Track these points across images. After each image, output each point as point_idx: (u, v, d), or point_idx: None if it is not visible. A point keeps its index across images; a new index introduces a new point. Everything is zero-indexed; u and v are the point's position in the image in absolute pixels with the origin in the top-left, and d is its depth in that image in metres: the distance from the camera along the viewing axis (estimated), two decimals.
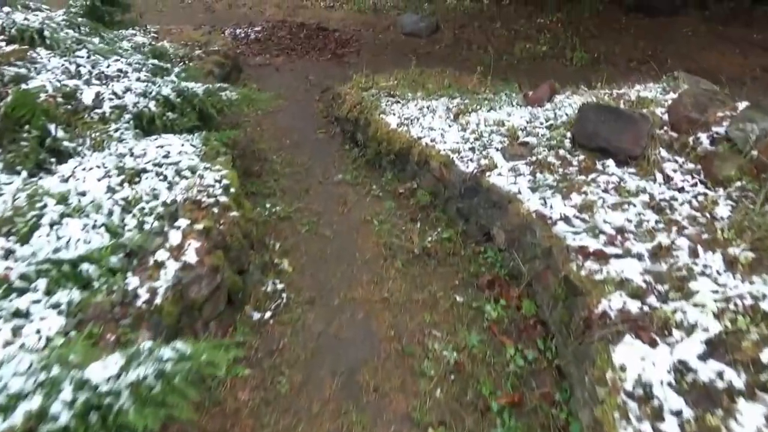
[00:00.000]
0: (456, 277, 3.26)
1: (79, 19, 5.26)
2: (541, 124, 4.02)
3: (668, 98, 3.90)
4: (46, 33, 4.33)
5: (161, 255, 2.55)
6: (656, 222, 2.95)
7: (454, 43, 8.16)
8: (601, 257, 2.75)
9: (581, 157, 3.62)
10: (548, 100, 4.39)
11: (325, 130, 5.12)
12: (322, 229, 3.63)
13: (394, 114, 4.46)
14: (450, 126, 4.24)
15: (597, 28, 8.58)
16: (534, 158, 3.67)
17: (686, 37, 8.28)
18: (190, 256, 2.59)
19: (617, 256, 2.74)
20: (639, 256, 2.72)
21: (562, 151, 3.69)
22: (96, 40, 5.32)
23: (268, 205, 3.81)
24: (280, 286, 3.05)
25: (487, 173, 3.61)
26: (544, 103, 4.35)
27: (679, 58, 7.41)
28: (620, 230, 2.91)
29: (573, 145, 3.75)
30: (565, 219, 3.07)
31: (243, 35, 8.00)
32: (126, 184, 3.06)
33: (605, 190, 3.27)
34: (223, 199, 3.04)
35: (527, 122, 4.08)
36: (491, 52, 7.81)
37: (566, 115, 4.02)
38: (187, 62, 5.73)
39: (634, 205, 3.09)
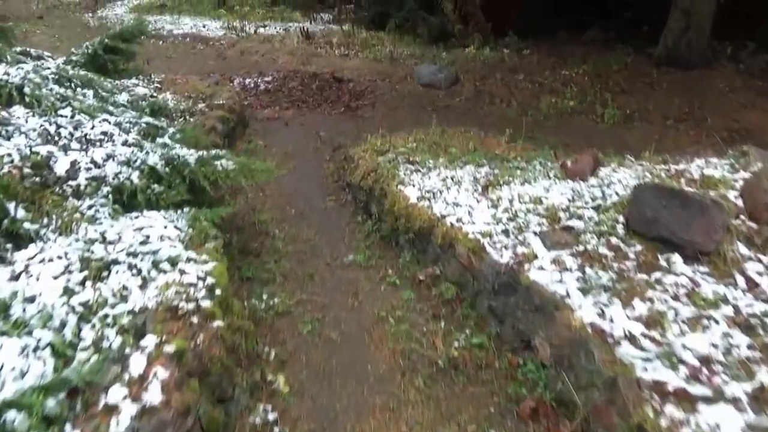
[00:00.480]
0: (490, 400, 2.64)
1: (71, 72, 4.84)
2: (587, 204, 3.44)
3: (739, 177, 3.32)
4: (27, 89, 3.88)
5: (116, 393, 1.97)
6: (749, 347, 2.33)
7: (475, 96, 7.70)
8: (686, 400, 2.12)
9: (639, 248, 3.03)
10: (591, 173, 3.83)
11: (336, 198, 4.58)
12: (328, 330, 3.03)
13: (413, 185, 3.91)
14: (478, 201, 3.68)
15: (627, 82, 8.09)
16: (581, 247, 3.08)
17: (723, 93, 7.74)
18: (154, 394, 2.00)
19: (707, 400, 2.11)
20: (735, 402, 2.09)
21: (614, 240, 3.10)
22: (90, 93, 4.90)
23: (265, 296, 3.23)
24: (272, 416, 2.43)
25: (526, 265, 3.02)
26: (586, 176, 3.78)
27: (719, 116, 6.86)
28: (705, 360, 2.28)
29: (627, 232, 3.15)
30: (631, 338, 2.45)
31: (252, 85, 7.60)
32: (89, 283, 2.51)
33: (675, 297, 2.66)
34: (205, 303, 2.47)
35: (569, 201, 3.50)
36: (515, 106, 7.32)
37: (616, 194, 3.45)
38: (187, 117, 5.28)
39: (717, 322, 2.48)
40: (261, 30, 12.02)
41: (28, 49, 6.61)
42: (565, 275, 2.89)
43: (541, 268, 2.98)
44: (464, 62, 9.46)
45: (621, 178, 3.65)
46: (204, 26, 12.18)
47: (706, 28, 8.58)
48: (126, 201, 3.23)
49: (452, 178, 3.96)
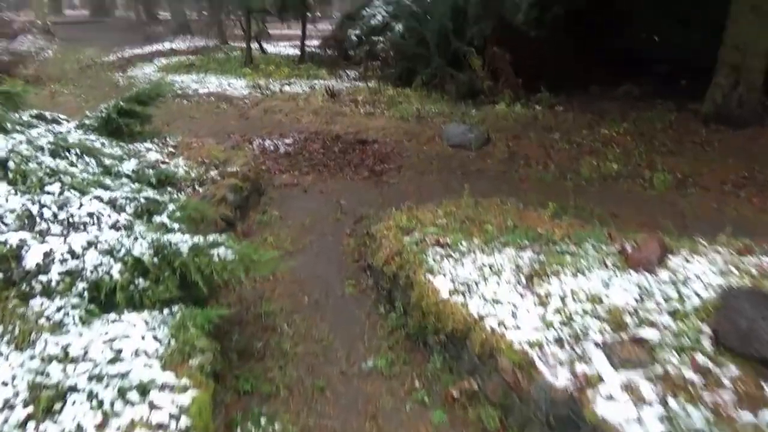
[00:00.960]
0: None
1: (72, 140, 4.48)
2: (659, 306, 2.81)
3: None
4: (11, 164, 3.49)
5: None
6: None
7: (509, 158, 7.17)
8: None
9: (735, 371, 2.38)
10: (659, 263, 3.20)
11: (355, 282, 4.02)
12: None
13: (444, 274, 3.33)
14: (523, 297, 3.07)
15: (673, 142, 7.49)
16: (659, 369, 2.43)
17: None
18: None
19: None
20: None
21: (701, 358, 2.46)
22: (92, 162, 4.53)
23: (263, 420, 2.64)
24: None
25: (589, 392, 2.38)
26: (653, 267, 3.15)
27: None
28: None
29: (717, 348, 2.51)
30: None
31: (272, 148, 7.23)
32: (32, 424, 1.97)
33: None
34: None
35: (636, 301, 2.87)
36: (553, 169, 6.76)
37: (696, 295, 2.81)
38: (196, 187, 4.85)
39: None
40: (286, 88, 11.86)
41: (43, 113, 6.40)
42: (644, 410, 2.24)
43: (609, 397, 2.34)
44: (495, 120, 9.01)
45: (699, 273, 3.01)
46: (229, 85, 12.09)
47: (758, 84, 8.00)
48: (104, 299, 2.73)
49: (490, 267, 3.37)
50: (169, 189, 4.76)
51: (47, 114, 6.39)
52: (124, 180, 4.45)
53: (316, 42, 18.49)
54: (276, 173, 6.33)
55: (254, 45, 16.79)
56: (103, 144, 5.53)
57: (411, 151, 7.46)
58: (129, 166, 4.85)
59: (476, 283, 3.22)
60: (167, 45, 21.47)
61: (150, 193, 3.94)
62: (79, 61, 18.42)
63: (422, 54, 12.09)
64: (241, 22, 15.69)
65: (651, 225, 5.11)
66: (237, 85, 12.07)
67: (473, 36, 11.48)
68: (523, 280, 3.23)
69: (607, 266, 3.31)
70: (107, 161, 4.66)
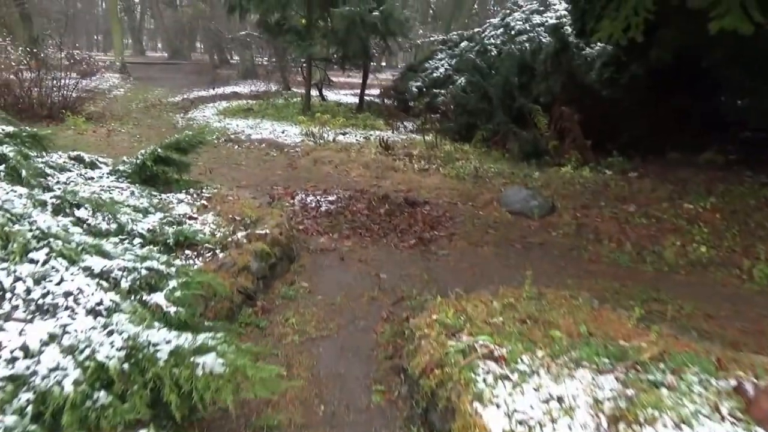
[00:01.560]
0: None
1: (84, 193, 4.04)
2: None
3: None
4: None
5: None
6: None
7: (576, 232, 6.33)
8: None
9: None
10: None
11: (385, 388, 3.26)
12: None
13: (497, 405, 2.54)
14: None
15: None
16: None
17: None
18: None
19: None
20: None
21: None
22: (105, 218, 4.06)
23: None
24: None
25: None
26: None
27: None
28: None
29: None
30: None
31: (313, 205, 6.68)
32: None
33: None
34: None
35: None
36: (629, 248, 5.87)
37: None
38: (218, 252, 4.29)
39: None
40: (340, 137, 11.50)
41: (82, 155, 6.14)
42: None
43: None
44: (560, 185, 8.19)
45: None
46: (283, 132, 11.85)
47: None
48: (48, 420, 2.11)
49: (559, 400, 2.56)
50: (187, 252, 4.22)
51: (86, 156, 6.12)
52: (135, 242, 3.95)
53: (376, 91, 18.35)
54: (313, 234, 5.73)
55: (315, 92, 16.76)
56: (132, 193, 5.14)
57: (465, 215, 6.74)
58: (149, 222, 4.37)
59: (540, 425, 2.41)
60: (232, 89, 21.96)
61: (155, 262, 3.37)
62: (145, 100, 18.98)
63: (484, 109, 11.52)
64: (302, 69, 15.69)
65: (756, 333, 4.15)
66: (291, 132, 11.81)
67: (540, 93, 10.83)
68: (605, 426, 2.40)
69: (722, 416, 2.43)
70: (123, 218, 4.18)
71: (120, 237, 3.95)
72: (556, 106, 10.23)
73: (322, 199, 6.86)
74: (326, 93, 19.24)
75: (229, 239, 4.55)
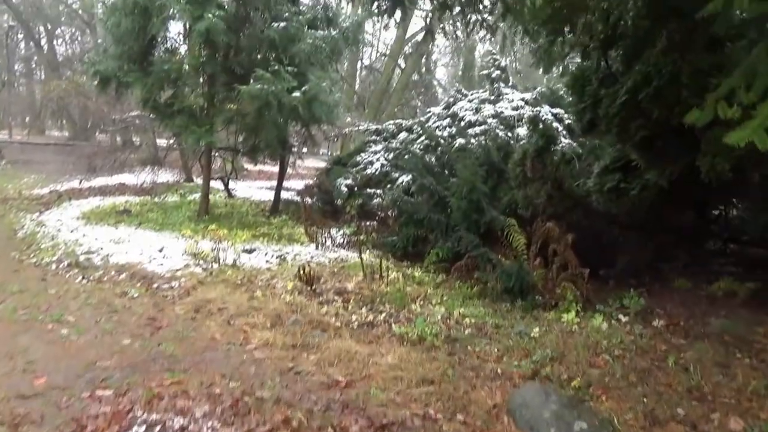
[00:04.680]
0: None
1: None
2: None
3: None
4: None
5: None
6: None
7: None
8: None
9: None
10: None
11: None
12: None
13: None
14: None
15: None
16: None
17: None
18: None
19: None
20: None
21: None
22: None
23: None
24: None
25: None
26: None
27: None
28: None
29: None
30: None
31: None
32: None
33: None
34: None
35: None
36: None
37: None
38: None
39: None
40: (244, 258, 8.19)
41: None
42: None
43: None
44: (577, 354, 5.26)
45: None
46: (161, 251, 8.34)
47: None
48: None
49: None
50: None
51: None
52: None
53: (296, 183, 15.38)
54: None
55: (220, 184, 13.52)
56: None
57: None
58: None
59: None
60: (121, 178, 18.22)
61: None
62: (2, 190, 14.90)
63: (439, 220, 8.67)
64: (201, 159, 12.47)
65: None
66: (173, 251, 8.34)
67: (513, 203, 8.19)
68: None
69: None
70: None
71: None
72: (540, 222, 7.57)
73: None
74: (236, 185, 16.02)
75: None
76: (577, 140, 8.35)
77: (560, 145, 7.84)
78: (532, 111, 9.37)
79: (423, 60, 31.91)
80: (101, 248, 8.33)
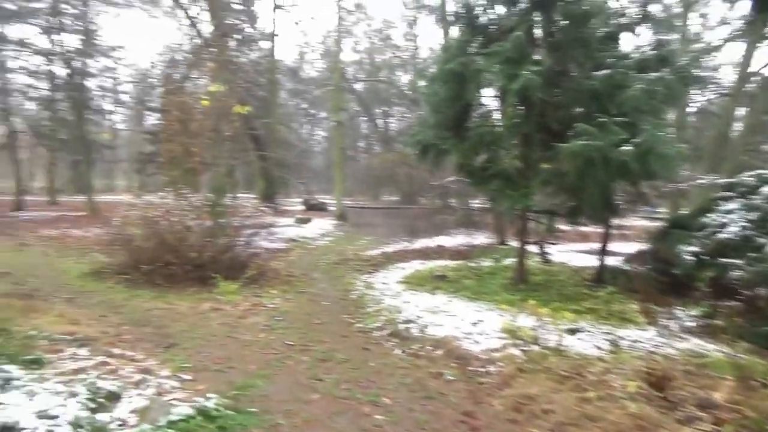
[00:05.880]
0: None
1: None
2: None
3: None
4: None
5: None
6: None
7: None
8: None
9: None
10: None
11: None
12: None
13: None
14: None
15: None
16: None
17: None
18: None
19: None
20: None
21: None
22: None
23: None
24: None
25: None
26: None
27: None
28: None
29: None
30: None
31: None
32: None
33: None
34: None
35: None
36: None
37: None
38: None
39: None
40: (568, 340, 7.01)
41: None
42: None
43: None
44: None
45: None
46: (476, 324, 7.78)
47: None
48: None
49: None
50: None
51: None
52: None
53: (622, 246, 13.49)
54: None
55: (534, 247, 12.67)
56: None
57: None
58: None
59: None
60: (440, 240, 19.10)
61: None
62: (342, 253, 16.95)
63: None
64: (514, 223, 11.85)
65: None
66: (488, 326, 7.70)
67: None
68: None
69: None
70: None
71: None
72: None
73: None
74: (551, 248, 14.96)
75: None
76: None
77: None
78: None
79: None
80: (419, 317, 8.22)
